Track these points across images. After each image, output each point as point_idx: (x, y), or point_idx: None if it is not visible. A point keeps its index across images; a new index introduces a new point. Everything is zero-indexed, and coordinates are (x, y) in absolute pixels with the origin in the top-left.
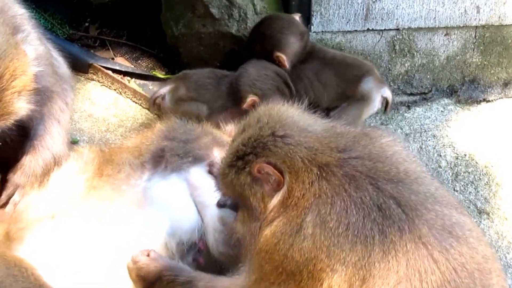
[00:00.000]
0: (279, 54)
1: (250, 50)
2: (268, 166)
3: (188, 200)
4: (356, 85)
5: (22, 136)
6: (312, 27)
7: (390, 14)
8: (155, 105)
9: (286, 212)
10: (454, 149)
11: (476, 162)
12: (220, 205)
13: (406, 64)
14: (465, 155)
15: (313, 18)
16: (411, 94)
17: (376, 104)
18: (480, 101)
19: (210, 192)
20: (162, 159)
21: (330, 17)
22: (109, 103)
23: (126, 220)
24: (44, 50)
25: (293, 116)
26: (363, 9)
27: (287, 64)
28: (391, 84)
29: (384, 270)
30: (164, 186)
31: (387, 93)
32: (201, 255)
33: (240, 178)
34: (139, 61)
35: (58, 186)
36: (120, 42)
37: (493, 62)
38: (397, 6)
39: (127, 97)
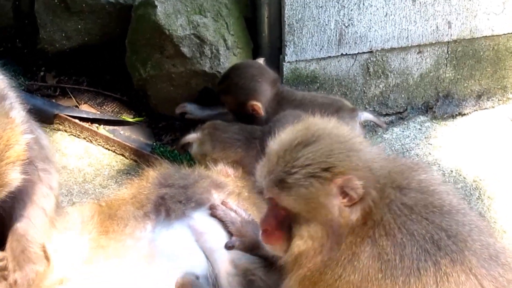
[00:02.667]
0: (254, 102)
1: (221, 102)
2: (356, 180)
3: (195, 247)
4: None
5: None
6: (285, 57)
7: (363, 38)
8: (182, 151)
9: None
10: (439, 166)
11: (464, 178)
12: (229, 247)
13: (380, 86)
14: (452, 171)
15: (286, 48)
16: (387, 114)
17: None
18: (456, 115)
19: (216, 236)
20: (162, 207)
21: (303, 45)
22: (80, 153)
23: (137, 276)
24: (26, 116)
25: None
26: (336, 35)
27: (262, 112)
28: (367, 106)
29: None
30: (169, 235)
31: (365, 116)
32: None
33: (325, 188)
34: (104, 107)
35: (61, 252)
36: (81, 88)
37: (466, 75)
38: (370, 28)
39: (98, 144)
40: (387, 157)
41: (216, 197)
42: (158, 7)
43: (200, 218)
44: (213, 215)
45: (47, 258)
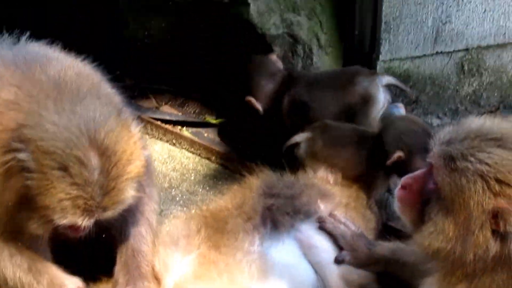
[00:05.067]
0: (249, 98)
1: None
2: None
3: (304, 261)
4: (352, 89)
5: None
6: (380, 55)
7: (459, 35)
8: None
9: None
10: None
11: None
12: (339, 261)
13: (474, 84)
14: None
15: (381, 47)
16: (479, 114)
17: (380, 97)
18: None
19: (325, 250)
20: (268, 219)
21: (399, 43)
22: (164, 157)
23: None
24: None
25: None
26: (432, 32)
27: (259, 107)
28: (459, 105)
29: None
30: (278, 249)
31: (386, 79)
32: None
33: (483, 196)
34: (185, 108)
35: (169, 267)
36: (161, 89)
37: None
38: (467, 26)
39: (182, 148)
40: None
41: (323, 208)
42: (251, 5)
43: (307, 231)
44: (322, 228)
45: (156, 275)
